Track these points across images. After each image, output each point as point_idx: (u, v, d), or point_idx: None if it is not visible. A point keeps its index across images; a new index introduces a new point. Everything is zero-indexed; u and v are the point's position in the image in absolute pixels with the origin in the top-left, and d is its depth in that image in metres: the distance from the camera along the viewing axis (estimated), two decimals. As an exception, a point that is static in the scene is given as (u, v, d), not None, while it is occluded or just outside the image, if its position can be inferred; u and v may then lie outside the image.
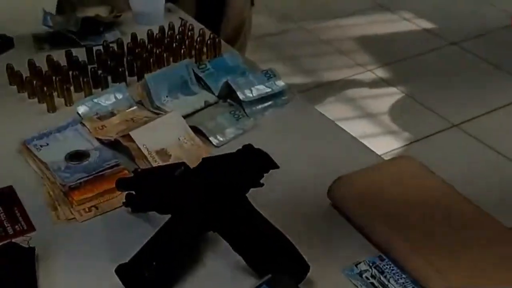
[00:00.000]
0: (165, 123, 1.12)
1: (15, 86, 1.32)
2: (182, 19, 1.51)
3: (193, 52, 1.40)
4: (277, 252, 0.85)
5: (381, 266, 0.88)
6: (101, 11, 1.52)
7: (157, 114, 1.20)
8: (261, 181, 0.86)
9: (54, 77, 1.28)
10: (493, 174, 2.36)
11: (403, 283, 0.86)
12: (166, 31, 1.46)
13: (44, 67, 1.34)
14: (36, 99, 1.28)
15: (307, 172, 1.08)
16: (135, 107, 1.22)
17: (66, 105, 1.26)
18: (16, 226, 0.98)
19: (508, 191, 2.23)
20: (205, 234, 0.90)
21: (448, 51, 3.24)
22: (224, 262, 0.89)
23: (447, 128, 2.65)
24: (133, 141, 1.08)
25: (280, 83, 1.24)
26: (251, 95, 1.21)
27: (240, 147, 0.92)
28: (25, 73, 1.32)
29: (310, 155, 1.12)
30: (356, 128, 2.63)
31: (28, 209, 1.01)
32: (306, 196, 1.02)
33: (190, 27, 1.46)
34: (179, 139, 1.11)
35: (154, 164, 1.07)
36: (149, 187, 0.94)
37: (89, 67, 1.33)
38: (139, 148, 1.08)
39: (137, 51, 1.38)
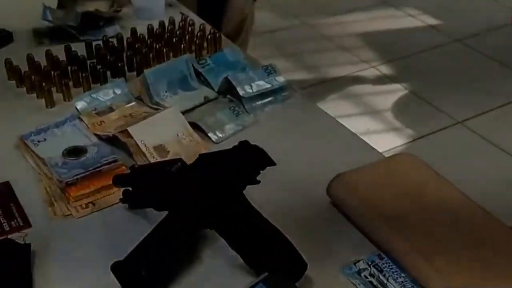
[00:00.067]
0: (163, 119, 1.11)
1: (14, 81, 1.31)
2: (183, 14, 1.50)
3: (193, 47, 1.39)
4: (274, 250, 0.84)
5: (380, 265, 0.87)
6: (101, 6, 1.51)
7: (156, 109, 1.19)
8: (258, 178, 0.85)
9: (52, 72, 1.27)
10: (497, 171, 2.34)
11: (402, 282, 0.85)
12: (167, 26, 1.44)
13: (43, 62, 1.33)
14: (34, 94, 1.27)
15: (306, 169, 1.06)
16: (134, 103, 1.21)
17: (64, 100, 1.25)
18: (12, 222, 0.97)
19: (512, 189, 2.22)
20: (202, 231, 0.89)
21: (453, 48, 3.22)
22: (221, 260, 0.88)
23: (451, 125, 2.64)
24: (131, 137, 1.07)
25: (280, 79, 1.23)
26: (251, 91, 1.20)
27: (239, 143, 0.91)
28: (24, 68, 1.31)
29: (310, 152, 1.11)
30: (359, 124, 2.63)
31: (24, 205, 1.00)
32: (305, 193, 1.01)
33: (191, 22, 1.45)
34: (177, 135, 1.10)
35: (152, 160, 1.06)
36: (146, 183, 0.93)
37: (88, 62, 1.32)
38: (137, 144, 1.07)
39: (136, 46, 1.37)
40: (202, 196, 0.86)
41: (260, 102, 1.21)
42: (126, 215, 0.98)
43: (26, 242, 0.92)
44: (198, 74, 1.27)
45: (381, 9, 3.58)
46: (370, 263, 0.88)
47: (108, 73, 1.31)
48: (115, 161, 1.06)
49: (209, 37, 1.39)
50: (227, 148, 0.91)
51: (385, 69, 3.06)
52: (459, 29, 3.32)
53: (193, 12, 1.58)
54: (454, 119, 2.66)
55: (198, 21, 1.48)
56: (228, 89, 1.22)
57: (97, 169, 1.04)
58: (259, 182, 0.85)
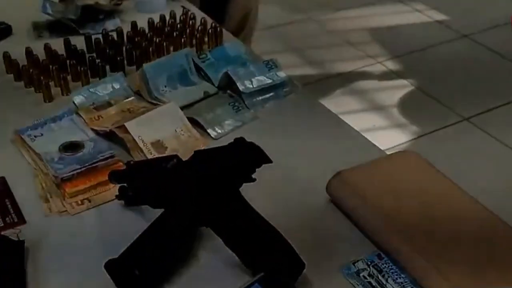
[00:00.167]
0: (161, 114, 1.09)
1: (12, 75, 1.29)
2: (184, 8, 1.48)
3: (194, 42, 1.37)
4: (271, 249, 0.82)
5: (379, 265, 0.85)
6: (102, -1, 1.49)
7: (155, 104, 1.17)
8: (254, 176, 0.83)
9: (51, 66, 1.26)
10: (503, 169, 2.31)
11: (401, 282, 0.83)
12: (167, 19, 1.42)
13: (42, 56, 1.31)
14: (32, 88, 1.25)
15: (306, 167, 1.04)
16: (132, 98, 1.19)
17: (63, 94, 1.24)
18: (7, 218, 0.96)
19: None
20: (198, 228, 0.87)
21: (460, 43, 3.18)
22: (216, 259, 0.86)
23: (457, 121, 2.60)
24: (129, 133, 1.06)
25: (282, 74, 1.21)
26: (251, 86, 1.18)
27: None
28: (23, 61, 1.29)
29: (310, 148, 1.09)
30: (365, 121, 2.60)
31: (20, 201, 0.99)
32: (305, 191, 0.99)
33: (192, 15, 1.43)
34: (175, 130, 1.08)
35: (150, 156, 1.04)
36: (141, 179, 0.91)
37: (88, 55, 1.31)
38: (134, 140, 1.05)
39: (136, 40, 1.35)
40: (198, 193, 0.84)
41: (260, 98, 1.19)
42: (122, 212, 0.97)
43: (20, 239, 0.90)
44: (198, 69, 1.25)
45: (388, 4, 3.55)
46: (369, 263, 0.86)
47: (108, 67, 1.29)
48: (112, 156, 1.04)
49: (210, 31, 1.37)
50: (225, 144, 0.89)
51: (391, 65, 3.03)
52: (467, 25, 3.28)
53: (196, 5, 1.56)
54: (460, 115, 2.63)
55: (199, 15, 1.46)
56: (228, 84, 1.20)
57: (94, 165, 1.02)
58: (254, 180, 0.83)
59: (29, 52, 1.30)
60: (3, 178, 1.03)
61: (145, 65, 1.21)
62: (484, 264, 0.81)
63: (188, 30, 1.38)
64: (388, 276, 0.83)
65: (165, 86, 1.20)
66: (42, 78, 1.22)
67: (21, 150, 1.09)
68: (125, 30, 1.39)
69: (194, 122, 1.12)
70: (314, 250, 0.87)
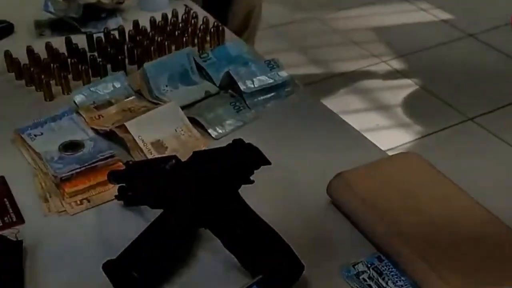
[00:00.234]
0: (161, 114, 1.09)
1: (13, 73, 1.29)
2: (186, 6, 1.47)
3: (195, 41, 1.36)
4: (270, 251, 0.81)
5: (379, 267, 0.84)
6: (104, -3, 1.49)
7: (156, 104, 1.16)
8: (252, 177, 0.82)
9: (52, 65, 1.25)
10: (508, 169, 2.30)
11: (401, 285, 0.82)
12: (170, 18, 1.42)
13: (44, 54, 1.31)
14: (33, 87, 1.25)
15: (307, 167, 1.04)
16: (133, 97, 1.19)
17: (63, 93, 1.23)
18: (5, 218, 0.96)
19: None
20: (196, 230, 0.87)
21: (465, 43, 3.17)
22: (215, 261, 0.86)
23: (462, 121, 2.59)
24: (129, 132, 1.05)
25: (283, 74, 1.20)
26: (252, 86, 1.17)
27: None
28: (25, 59, 1.29)
29: (312, 149, 1.08)
30: (369, 120, 2.60)
31: (19, 200, 0.99)
32: (305, 192, 0.98)
33: (194, 14, 1.42)
34: (176, 130, 1.08)
35: (150, 156, 1.04)
36: (140, 180, 0.90)
37: (89, 54, 1.30)
38: (134, 140, 1.05)
39: (138, 38, 1.34)
40: (197, 193, 0.84)
41: (261, 98, 1.18)
42: (121, 212, 0.96)
43: (18, 239, 0.90)
44: (199, 68, 1.24)
45: (393, 3, 3.54)
46: (369, 265, 0.85)
47: (109, 66, 1.29)
48: (111, 156, 1.03)
49: (212, 30, 1.37)
50: (225, 145, 0.88)
51: (396, 64, 3.02)
52: (472, 24, 3.26)
53: (198, 4, 1.56)
54: (465, 115, 2.61)
55: (201, 13, 1.45)
56: (229, 84, 1.20)
57: (93, 165, 1.01)
58: (253, 181, 0.82)
59: (30, 51, 1.29)
60: (2, 177, 1.03)
61: (146, 64, 1.20)
62: (485, 268, 0.80)
63: (190, 29, 1.38)
64: (388, 279, 0.83)
65: (166, 86, 1.19)
66: (43, 76, 1.22)
67: (21, 149, 1.08)
68: (127, 29, 1.38)
69: (194, 122, 1.11)
70: (313, 252, 0.87)
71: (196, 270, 0.86)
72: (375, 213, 0.89)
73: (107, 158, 1.03)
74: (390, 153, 2.20)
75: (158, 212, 0.87)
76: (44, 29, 1.44)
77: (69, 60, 1.28)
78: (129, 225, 0.92)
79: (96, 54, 1.32)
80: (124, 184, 0.94)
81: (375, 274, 0.84)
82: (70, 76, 1.25)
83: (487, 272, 0.80)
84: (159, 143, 1.05)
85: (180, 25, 1.39)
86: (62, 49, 1.32)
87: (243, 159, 0.82)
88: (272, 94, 1.19)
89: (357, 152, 1.07)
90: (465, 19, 3.33)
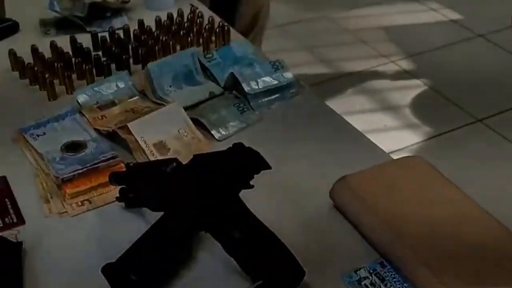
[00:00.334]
0: (164, 115, 1.08)
1: (17, 72, 1.28)
2: (192, 6, 1.47)
3: (201, 40, 1.35)
4: (270, 256, 0.80)
5: (382, 274, 0.83)
6: (109, -4, 1.48)
7: (160, 104, 1.16)
8: (252, 182, 0.81)
9: (56, 64, 1.25)
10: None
11: (404, 292, 0.81)
12: (175, 17, 1.41)
13: (48, 53, 1.30)
14: (37, 86, 1.24)
15: (311, 170, 1.03)
16: (136, 97, 1.18)
17: (67, 93, 1.23)
18: (6, 219, 0.95)
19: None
20: (197, 233, 0.86)
21: (475, 43, 3.15)
22: (215, 264, 0.85)
23: (471, 122, 2.57)
24: (131, 133, 1.04)
25: (288, 75, 1.19)
26: (256, 87, 1.16)
27: (243, 142, 0.87)
28: (29, 58, 1.28)
29: (316, 151, 1.07)
30: (376, 120, 2.58)
31: (20, 201, 0.98)
32: (308, 195, 0.97)
33: (200, 14, 1.41)
34: (178, 131, 1.07)
35: (152, 158, 1.03)
36: (141, 182, 0.90)
37: (94, 54, 1.29)
38: (136, 141, 1.04)
39: (143, 38, 1.34)
40: (198, 197, 0.83)
41: (266, 99, 1.17)
42: (122, 214, 0.95)
43: (18, 240, 0.89)
44: (204, 68, 1.23)
45: (403, 3, 3.52)
46: (371, 271, 0.84)
47: (113, 65, 1.28)
48: (114, 157, 1.02)
49: (217, 30, 1.36)
50: (225, 148, 0.87)
51: (405, 64, 3.00)
52: (482, 24, 3.24)
53: (206, 4, 1.55)
54: (473, 116, 2.59)
55: (207, 13, 1.44)
56: (233, 85, 1.18)
57: (95, 166, 1.01)
58: (252, 186, 0.81)
59: (34, 50, 1.29)
60: (4, 177, 1.02)
61: (149, 64, 1.19)
62: (489, 277, 0.78)
63: (195, 29, 1.37)
64: (391, 285, 0.82)
65: (170, 86, 1.19)
66: (46, 76, 1.21)
67: (23, 149, 1.08)
68: (132, 28, 1.37)
69: (198, 123, 1.10)
70: (315, 257, 0.85)
71: (197, 274, 0.85)
72: (377, 218, 0.87)
73: (109, 159, 1.02)
74: (397, 154, 2.19)
75: (159, 214, 0.86)
76: (49, 27, 1.44)
77: (73, 59, 1.27)
78: (129, 227, 0.91)
79: (100, 53, 1.31)
80: (124, 186, 0.93)
81: (377, 280, 0.83)
82: (74, 76, 1.24)
83: (490, 279, 0.78)
84: (162, 145, 1.05)
85: (186, 24, 1.39)
86: (67, 48, 1.31)
87: (243, 163, 0.81)
88: (277, 95, 1.18)
89: (361, 154, 1.05)
90: (475, 19, 3.31)
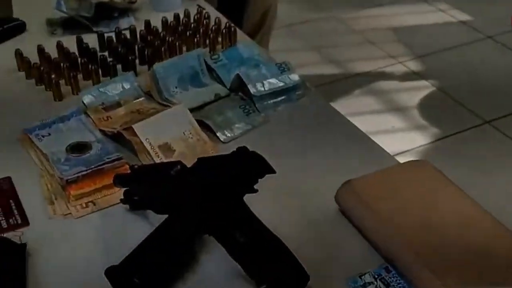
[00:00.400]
0: (169, 117, 1.07)
1: (23, 72, 1.28)
2: (199, 7, 1.46)
3: (207, 41, 1.35)
4: (275, 261, 0.80)
5: (386, 279, 0.83)
6: (116, -4, 1.48)
7: (165, 106, 1.15)
8: (257, 185, 0.81)
9: (62, 64, 1.24)
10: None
11: (409, 298, 0.80)
12: (182, 18, 1.40)
13: (54, 53, 1.30)
14: (43, 86, 1.24)
15: (316, 173, 1.02)
16: (142, 98, 1.17)
17: (73, 93, 1.22)
18: (10, 220, 0.95)
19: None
20: (201, 236, 0.85)
21: (484, 45, 3.13)
22: (220, 269, 0.84)
23: (479, 124, 2.56)
24: (136, 135, 1.04)
25: (294, 77, 1.18)
26: (262, 89, 1.15)
27: (248, 144, 0.87)
28: (36, 58, 1.28)
29: (322, 154, 1.06)
30: (384, 122, 2.57)
31: (24, 202, 0.98)
32: (313, 199, 0.96)
33: (206, 15, 1.41)
34: (184, 133, 1.06)
35: (157, 160, 1.03)
36: (145, 184, 0.89)
37: (100, 54, 1.29)
38: (141, 142, 1.03)
39: (149, 38, 1.33)
40: (202, 200, 0.82)
41: (272, 101, 1.16)
42: (127, 216, 0.95)
43: (22, 242, 0.89)
44: (210, 70, 1.23)
45: (411, 4, 3.51)
46: (376, 276, 0.83)
47: (119, 66, 1.28)
48: (119, 159, 1.02)
49: (224, 31, 1.35)
50: (232, 150, 0.87)
51: (413, 65, 2.99)
52: (491, 26, 3.22)
53: (213, 5, 1.54)
54: (482, 118, 2.58)
55: (214, 14, 1.44)
56: (239, 86, 1.18)
57: (100, 167, 1.00)
58: (256, 191, 0.81)
59: (41, 50, 1.29)
60: (9, 178, 1.02)
61: (155, 65, 1.19)
62: (493, 280, 0.78)
63: (201, 30, 1.36)
64: (395, 291, 0.81)
65: (176, 87, 1.18)
66: (52, 76, 1.21)
67: (28, 149, 1.08)
68: (138, 29, 1.37)
69: (203, 125, 1.10)
70: (319, 261, 0.85)
71: (200, 277, 0.84)
72: (383, 223, 0.87)
73: (114, 160, 1.01)
74: (405, 156, 2.19)
75: (163, 217, 0.85)
76: (56, 27, 1.44)
77: (79, 59, 1.27)
78: (134, 230, 0.91)
79: (106, 54, 1.31)
80: (128, 188, 0.93)
81: (382, 285, 0.82)
82: (80, 76, 1.24)
83: (494, 282, 0.78)
84: (167, 146, 1.04)
85: (192, 25, 1.38)
86: (74, 48, 1.31)
87: (248, 167, 0.80)
88: (283, 97, 1.18)
89: (367, 158, 1.05)
90: (484, 20, 3.29)
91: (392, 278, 0.83)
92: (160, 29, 1.37)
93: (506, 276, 0.79)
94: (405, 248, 0.83)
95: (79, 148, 1.05)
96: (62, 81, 1.23)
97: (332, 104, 1.25)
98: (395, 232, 0.85)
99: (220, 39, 1.36)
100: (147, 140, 1.03)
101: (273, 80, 1.16)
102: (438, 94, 2.79)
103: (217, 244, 0.82)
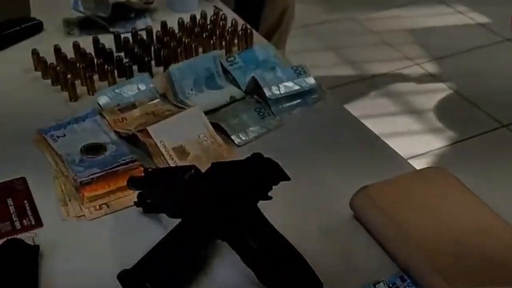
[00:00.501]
0: (184, 119, 1.07)
1: (40, 72, 1.28)
2: (216, 8, 1.46)
3: (223, 43, 1.34)
4: (288, 267, 0.79)
5: (401, 288, 0.82)
6: (133, -3, 1.48)
7: (180, 108, 1.15)
8: (271, 192, 0.80)
9: (78, 64, 1.25)
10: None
11: (423, 308, 0.79)
12: (198, 19, 1.40)
13: (71, 54, 1.30)
14: (59, 87, 1.24)
15: (331, 178, 1.01)
16: (157, 100, 1.17)
17: (89, 94, 1.22)
18: (24, 221, 0.95)
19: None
20: (214, 242, 0.85)
21: (503, 47, 3.10)
22: (233, 274, 0.84)
23: (496, 128, 2.54)
24: (151, 137, 1.04)
25: (310, 81, 1.17)
26: (278, 92, 1.15)
27: (263, 147, 0.86)
28: (53, 58, 1.29)
29: (337, 159, 1.05)
30: (400, 124, 2.56)
31: (38, 203, 0.98)
32: (328, 205, 0.96)
33: (223, 16, 1.40)
34: (198, 136, 1.06)
35: (171, 162, 1.02)
36: (159, 188, 0.89)
37: (116, 55, 1.29)
38: (156, 145, 1.03)
39: (165, 39, 1.33)
40: (216, 205, 0.82)
41: (287, 105, 1.16)
42: (140, 219, 0.95)
43: (35, 244, 0.89)
44: (226, 72, 1.22)
45: (430, 5, 3.48)
46: (391, 285, 0.82)
47: (135, 67, 1.27)
48: (133, 161, 1.02)
49: (240, 33, 1.34)
50: (252, 151, 0.86)
51: (430, 67, 2.97)
52: (510, 28, 3.19)
53: (230, 7, 1.54)
54: (499, 122, 2.56)
55: (230, 15, 1.43)
56: (255, 89, 1.17)
57: (114, 169, 1.00)
58: (271, 198, 0.80)
59: (57, 50, 1.29)
60: (23, 178, 1.02)
61: (171, 67, 1.18)
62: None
63: (218, 31, 1.36)
64: (410, 300, 0.80)
65: (191, 89, 1.18)
66: (68, 76, 1.21)
67: (43, 150, 1.08)
68: (155, 30, 1.37)
69: (218, 127, 1.10)
70: (333, 268, 0.84)
71: (213, 283, 0.84)
72: (398, 231, 0.86)
73: (128, 162, 1.01)
74: (420, 159, 2.17)
75: (176, 220, 0.85)
76: (72, 27, 1.44)
77: (95, 60, 1.27)
78: (147, 233, 0.90)
79: (122, 54, 1.31)
80: (142, 191, 0.93)
81: (396, 294, 0.81)
82: (96, 77, 1.24)
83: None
84: (181, 149, 1.04)
85: (209, 27, 1.38)
86: (90, 48, 1.31)
87: (262, 174, 0.80)
88: (298, 101, 1.17)
89: (383, 163, 1.04)
90: (503, 23, 3.25)
91: None
92: (176, 30, 1.37)
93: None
94: (421, 257, 0.81)
95: (93, 149, 1.05)
96: (78, 82, 1.23)
97: (348, 105, 1.24)
98: (411, 240, 0.84)
99: (236, 41, 1.35)
100: (162, 142, 1.03)
101: (289, 84, 1.16)
102: (454, 97, 2.77)
103: (230, 249, 0.81)
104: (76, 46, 1.31)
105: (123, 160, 1.02)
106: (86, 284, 0.85)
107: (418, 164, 1.03)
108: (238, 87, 1.20)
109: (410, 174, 0.97)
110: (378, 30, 3.27)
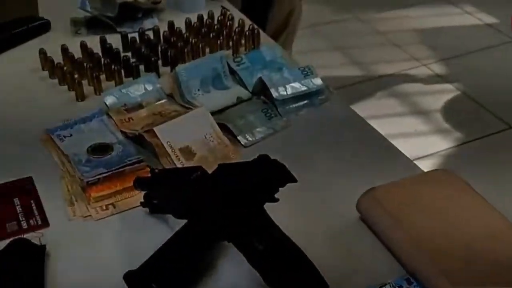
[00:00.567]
0: (191, 120, 1.07)
1: (47, 71, 1.29)
2: (223, 8, 1.46)
3: (230, 43, 1.34)
4: (294, 269, 0.78)
5: (407, 291, 0.81)
6: (141, -4, 1.48)
7: (187, 108, 1.15)
8: (276, 195, 0.80)
9: (85, 64, 1.25)
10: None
11: (430, 311, 0.79)
12: (205, 20, 1.40)
13: (78, 53, 1.30)
14: (66, 86, 1.25)
15: (337, 180, 1.01)
16: (164, 100, 1.17)
17: (96, 94, 1.23)
18: (31, 221, 0.95)
19: None
20: (220, 243, 0.85)
21: (511, 48, 3.09)
22: (238, 276, 0.84)
23: (503, 130, 2.53)
24: (157, 137, 1.04)
25: (317, 82, 1.17)
26: (285, 93, 1.14)
27: (270, 148, 0.86)
28: (60, 58, 1.29)
29: (344, 160, 1.05)
30: (406, 125, 2.55)
31: (45, 203, 0.98)
32: (334, 206, 0.95)
33: (230, 16, 1.40)
34: (205, 137, 1.06)
35: (178, 162, 1.02)
36: (165, 189, 0.89)
37: (123, 54, 1.29)
38: (162, 145, 1.03)
39: (172, 40, 1.33)
40: (222, 206, 0.82)
41: (294, 105, 1.16)
42: (147, 219, 0.95)
43: (42, 243, 0.89)
44: (233, 72, 1.22)
45: (437, 6, 3.47)
46: (397, 287, 0.82)
47: (142, 67, 1.28)
48: (139, 161, 1.02)
49: (247, 33, 1.34)
50: (259, 152, 0.85)
51: (437, 68, 2.96)
52: (510, 28, 3.18)
53: (237, 7, 1.54)
54: (506, 123, 2.55)
55: (238, 16, 1.43)
56: (262, 90, 1.17)
57: (120, 169, 1.00)
58: (277, 200, 0.80)
59: (64, 49, 1.29)
60: (30, 178, 1.03)
61: (178, 68, 1.18)
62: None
63: (225, 32, 1.36)
64: (416, 303, 0.80)
65: (198, 90, 1.18)
66: (75, 76, 1.21)
67: (50, 150, 1.08)
68: (162, 30, 1.37)
69: (224, 128, 1.09)
70: (339, 270, 0.84)
71: (219, 284, 0.84)
72: (404, 233, 0.85)
73: (134, 163, 1.01)
74: (427, 160, 2.16)
75: (183, 221, 0.85)
76: (80, 27, 1.44)
77: (102, 60, 1.27)
78: (153, 233, 0.90)
79: (129, 54, 1.31)
80: (148, 191, 0.93)
81: (402, 297, 0.81)
82: (102, 76, 1.24)
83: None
84: (188, 149, 1.04)
85: (216, 27, 1.38)
86: (97, 48, 1.31)
87: (269, 175, 0.79)
88: (305, 101, 1.17)
89: (390, 164, 1.04)
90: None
91: (413, 290, 0.82)
92: (183, 30, 1.37)
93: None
94: (428, 260, 0.81)
95: (100, 149, 1.05)
96: (85, 81, 1.23)
97: (355, 106, 1.23)
98: (418, 243, 0.84)
99: (243, 41, 1.35)
100: (168, 143, 1.03)
101: (295, 84, 1.15)
102: (462, 98, 2.76)
103: (236, 251, 0.81)
104: (83, 45, 1.31)
105: (129, 160, 1.02)
106: (92, 284, 0.85)
107: (425, 165, 1.02)
108: (245, 87, 1.20)
109: (417, 176, 0.97)
110: (385, 31, 3.26)
